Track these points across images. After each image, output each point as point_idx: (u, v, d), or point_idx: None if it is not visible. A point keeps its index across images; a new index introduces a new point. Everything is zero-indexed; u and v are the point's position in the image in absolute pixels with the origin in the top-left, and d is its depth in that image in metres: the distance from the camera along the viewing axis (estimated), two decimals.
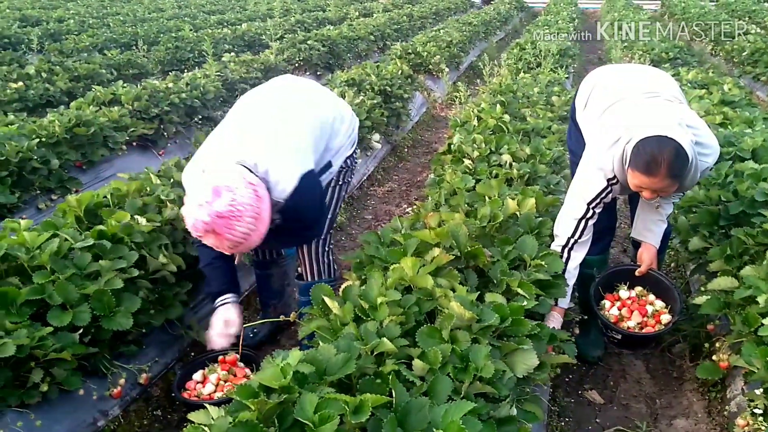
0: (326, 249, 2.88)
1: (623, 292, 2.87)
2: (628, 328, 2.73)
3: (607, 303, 2.87)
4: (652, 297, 2.85)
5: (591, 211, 2.61)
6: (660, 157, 2.25)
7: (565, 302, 2.68)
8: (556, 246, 2.70)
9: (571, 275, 2.70)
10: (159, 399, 2.83)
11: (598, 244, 2.96)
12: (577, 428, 2.75)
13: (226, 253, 2.40)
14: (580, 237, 2.66)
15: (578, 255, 2.70)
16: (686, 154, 2.27)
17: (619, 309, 2.81)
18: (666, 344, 3.08)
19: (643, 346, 3.05)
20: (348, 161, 2.85)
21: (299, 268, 2.96)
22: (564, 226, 2.67)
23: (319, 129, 2.63)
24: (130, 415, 2.66)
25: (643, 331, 2.73)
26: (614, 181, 2.54)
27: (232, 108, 2.70)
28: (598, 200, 2.59)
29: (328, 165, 2.73)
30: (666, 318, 2.73)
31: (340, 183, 2.85)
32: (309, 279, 2.90)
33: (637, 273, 2.84)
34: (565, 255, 2.68)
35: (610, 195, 2.58)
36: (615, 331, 2.74)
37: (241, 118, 2.61)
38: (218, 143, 2.51)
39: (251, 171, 2.34)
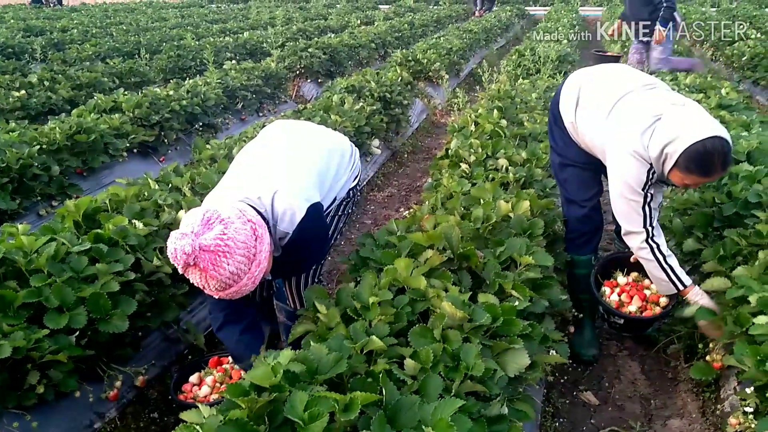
0: (316, 280, 2.79)
1: (621, 278, 2.97)
2: (630, 312, 2.83)
3: (607, 290, 2.96)
4: (647, 281, 2.93)
5: (649, 195, 2.60)
6: (716, 158, 2.34)
7: (687, 279, 2.71)
8: (638, 245, 2.68)
9: (670, 258, 2.69)
10: (156, 401, 2.85)
11: (588, 245, 3.00)
12: (572, 429, 2.76)
13: (215, 296, 2.16)
14: (653, 221, 2.65)
15: (661, 239, 2.70)
16: (730, 143, 2.37)
17: (619, 294, 2.91)
18: (661, 345, 3.08)
19: (643, 329, 3.13)
20: (350, 192, 2.74)
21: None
22: (634, 221, 2.65)
23: (325, 167, 2.55)
24: (126, 418, 2.68)
25: (644, 314, 2.83)
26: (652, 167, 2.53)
27: (246, 149, 2.61)
28: (649, 183, 2.57)
29: (333, 201, 2.62)
30: (664, 300, 2.84)
31: (339, 214, 2.73)
32: (295, 307, 2.81)
33: (632, 259, 2.93)
34: (653, 245, 2.67)
35: (656, 175, 2.56)
36: (618, 316, 2.84)
37: (241, 162, 2.52)
38: (219, 189, 2.39)
39: (254, 207, 2.21)
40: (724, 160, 2.36)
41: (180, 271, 2.05)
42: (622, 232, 2.74)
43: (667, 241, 3.40)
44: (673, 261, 2.70)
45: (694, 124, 2.38)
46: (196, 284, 2.10)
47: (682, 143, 2.35)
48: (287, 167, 2.42)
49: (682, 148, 2.35)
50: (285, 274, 2.71)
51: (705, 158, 2.34)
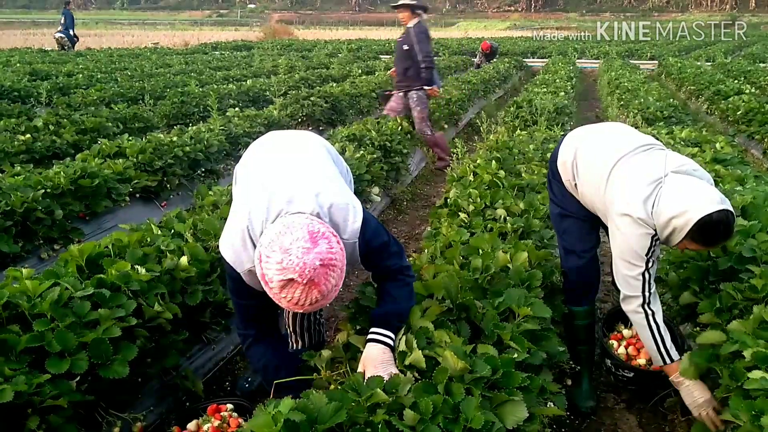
0: (317, 317, 2.82)
1: (626, 331, 2.97)
2: (641, 366, 2.84)
3: (614, 343, 2.98)
4: None
5: (651, 262, 2.66)
6: (722, 231, 2.48)
7: (675, 355, 2.70)
8: (634, 308, 2.71)
9: (663, 329, 2.70)
10: None
11: (587, 296, 3.03)
12: None
13: (299, 311, 2.09)
14: (651, 287, 2.69)
15: (657, 306, 2.72)
16: (733, 212, 2.48)
17: (626, 347, 2.94)
18: (658, 398, 3.08)
19: (653, 383, 3.09)
20: None
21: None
22: (631, 285, 2.69)
23: (333, 170, 2.57)
24: None
25: (652, 368, 2.84)
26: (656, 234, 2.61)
27: (249, 164, 2.57)
28: (652, 251, 2.64)
29: None
30: None
31: None
32: (297, 346, 2.85)
33: None
34: (648, 312, 2.70)
35: (659, 242, 2.64)
36: (629, 370, 2.85)
37: (272, 171, 2.42)
38: (259, 200, 2.23)
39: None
40: (730, 231, 2.51)
41: (278, 286, 1.95)
42: (620, 296, 2.78)
43: (663, 294, 3.45)
44: (666, 334, 2.71)
45: (701, 197, 2.48)
46: (288, 299, 1.98)
47: (692, 217, 2.44)
48: (322, 174, 2.42)
49: (692, 221, 2.44)
50: None
51: (714, 231, 2.47)
